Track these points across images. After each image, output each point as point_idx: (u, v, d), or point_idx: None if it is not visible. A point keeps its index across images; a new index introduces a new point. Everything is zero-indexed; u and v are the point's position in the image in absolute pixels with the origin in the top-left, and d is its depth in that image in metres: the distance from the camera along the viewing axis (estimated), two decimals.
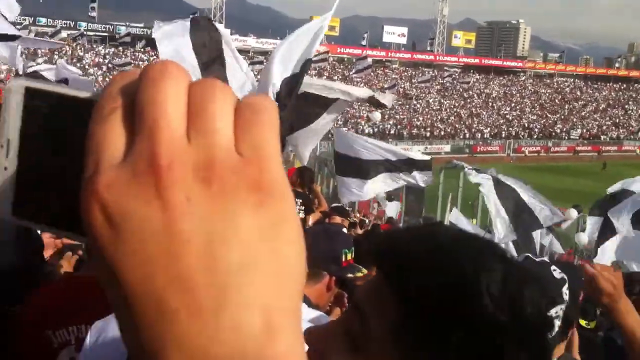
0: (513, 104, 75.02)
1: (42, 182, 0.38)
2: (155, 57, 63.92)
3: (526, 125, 69.99)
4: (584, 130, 71.96)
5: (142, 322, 0.31)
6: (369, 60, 61.66)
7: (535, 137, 67.18)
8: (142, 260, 0.31)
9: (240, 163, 0.33)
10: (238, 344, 0.31)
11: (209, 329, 0.31)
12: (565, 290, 2.18)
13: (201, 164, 0.32)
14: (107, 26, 67.76)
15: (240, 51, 5.92)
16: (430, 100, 70.06)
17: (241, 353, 0.31)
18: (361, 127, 53.81)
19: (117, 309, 0.33)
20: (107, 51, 61.75)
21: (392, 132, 58.04)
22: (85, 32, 59.91)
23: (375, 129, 54.79)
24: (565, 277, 2.22)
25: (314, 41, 5.63)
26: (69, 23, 63.03)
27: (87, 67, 55.09)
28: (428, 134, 60.66)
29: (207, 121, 0.33)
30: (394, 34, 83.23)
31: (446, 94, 73.09)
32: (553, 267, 2.26)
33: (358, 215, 15.47)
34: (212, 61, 5.88)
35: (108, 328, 1.32)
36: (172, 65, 0.34)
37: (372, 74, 68.30)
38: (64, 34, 54.21)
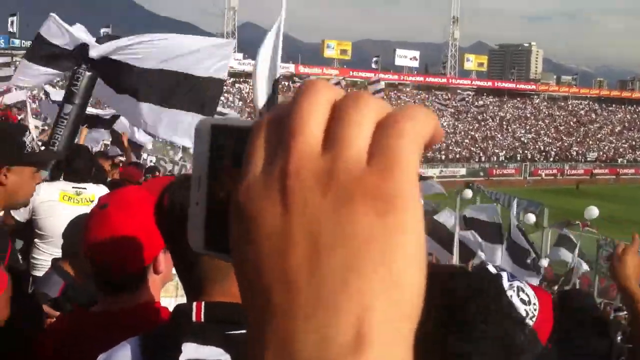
0: (528, 127, 74.82)
1: (228, 214, 0.38)
2: None
3: (542, 148, 69.69)
4: (600, 153, 71.50)
5: (252, 313, 0.33)
6: (382, 83, 61.79)
7: (551, 159, 66.80)
8: (259, 256, 0.33)
9: (363, 172, 0.33)
10: (320, 351, 0.31)
11: (297, 330, 0.31)
12: (504, 283, 2.04)
13: (325, 173, 0.33)
14: None
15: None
16: (445, 123, 70.02)
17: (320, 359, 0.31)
18: None
19: (242, 298, 0.35)
20: None
21: None
22: None
23: None
24: (502, 273, 2.12)
25: (275, 56, 5.67)
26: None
27: None
28: (443, 157, 60.57)
29: (339, 132, 0.34)
30: (406, 57, 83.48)
31: (460, 117, 73.06)
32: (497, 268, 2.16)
33: None
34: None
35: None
36: (319, 83, 0.35)
37: (384, 97, 68.49)
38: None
